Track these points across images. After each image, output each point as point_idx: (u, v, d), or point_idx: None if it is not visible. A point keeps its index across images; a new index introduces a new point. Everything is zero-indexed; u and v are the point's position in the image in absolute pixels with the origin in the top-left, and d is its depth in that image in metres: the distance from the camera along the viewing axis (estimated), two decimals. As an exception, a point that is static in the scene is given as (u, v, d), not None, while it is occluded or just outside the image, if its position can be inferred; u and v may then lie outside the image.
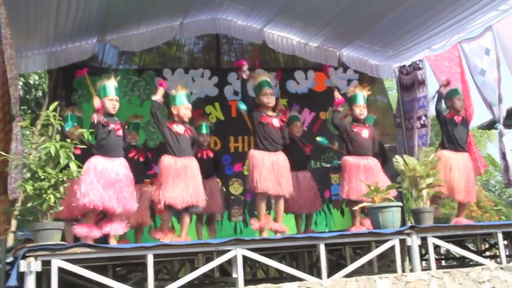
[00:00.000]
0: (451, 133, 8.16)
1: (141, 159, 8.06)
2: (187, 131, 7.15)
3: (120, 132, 6.77)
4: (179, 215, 7.26)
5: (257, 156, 7.28)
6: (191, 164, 7.00)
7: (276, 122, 7.46)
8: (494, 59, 9.13)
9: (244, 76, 7.45)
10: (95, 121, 6.56)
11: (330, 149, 10.33)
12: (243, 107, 7.87)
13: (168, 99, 7.26)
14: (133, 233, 8.00)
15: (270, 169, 7.20)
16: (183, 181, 6.81)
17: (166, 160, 6.90)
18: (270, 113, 7.53)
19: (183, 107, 7.16)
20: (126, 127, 7.12)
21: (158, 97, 7.06)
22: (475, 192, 8.41)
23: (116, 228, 6.53)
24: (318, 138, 8.98)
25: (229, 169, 10.22)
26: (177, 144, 6.98)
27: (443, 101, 8.39)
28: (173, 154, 6.93)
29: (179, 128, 7.08)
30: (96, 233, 6.42)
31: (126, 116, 8.39)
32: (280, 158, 7.37)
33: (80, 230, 6.37)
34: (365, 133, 7.89)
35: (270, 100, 7.48)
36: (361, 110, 7.96)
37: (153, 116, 7.03)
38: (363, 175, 7.60)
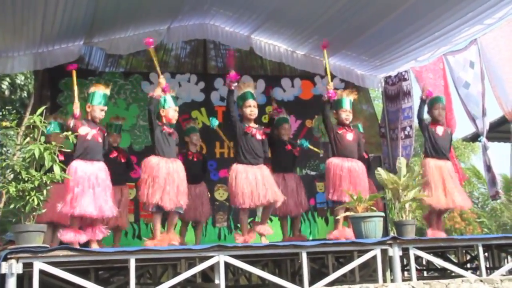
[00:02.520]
0: (433, 141, 8.20)
1: (123, 160, 8.03)
2: (174, 133, 7.18)
3: (100, 139, 6.76)
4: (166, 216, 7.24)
5: (240, 170, 7.26)
6: (180, 166, 7.01)
7: (258, 135, 7.49)
8: (478, 72, 9.24)
9: (233, 87, 7.45)
10: (71, 125, 6.56)
11: (316, 157, 10.37)
12: (215, 123, 7.94)
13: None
14: (112, 235, 7.96)
15: (254, 183, 7.18)
16: (172, 183, 6.79)
17: (155, 160, 6.86)
18: (252, 124, 7.55)
19: (172, 110, 7.18)
20: (106, 134, 7.11)
21: (156, 94, 7.00)
22: (466, 198, 8.38)
23: (96, 233, 6.55)
24: (299, 141, 9.00)
25: (214, 175, 10.22)
26: (167, 145, 6.98)
27: (425, 109, 8.43)
28: (162, 155, 6.91)
29: (169, 130, 7.09)
30: (82, 238, 6.41)
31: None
32: (264, 171, 7.37)
33: (67, 236, 6.34)
34: (349, 136, 7.90)
35: (252, 112, 7.51)
36: (347, 114, 7.97)
37: (150, 113, 7.00)
38: (347, 177, 7.62)
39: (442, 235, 8.05)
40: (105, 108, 6.87)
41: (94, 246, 6.50)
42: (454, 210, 11.07)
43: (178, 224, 8.27)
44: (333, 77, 10.80)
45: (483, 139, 9.23)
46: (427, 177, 7.95)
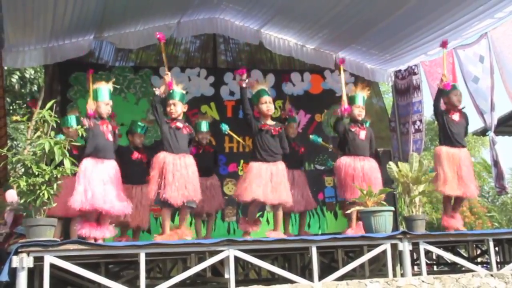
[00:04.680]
0: (448, 128, 8.10)
1: (144, 160, 8.01)
2: (185, 128, 7.12)
3: (110, 136, 6.80)
4: (176, 210, 7.22)
5: (255, 167, 7.20)
6: (189, 161, 6.94)
7: (275, 131, 7.41)
8: (488, 67, 9.18)
9: (244, 84, 7.40)
10: (86, 125, 6.58)
11: (324, 152, 10.35)
12: (225, 128, 7.88)
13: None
14: (131, 233, 8.01)
15: (267, 180, 7.13)
16: (180, 177, 6.73)
17: (162, 156, 6.82)
18: (269, 122, 7.48)
19: (171, 104, 7.08)
20: (117, 131, 7.15)
21: (160, 91, 7.01)
22: (476, 187, 8.30)
23: (103, 232, 6.55)
24: (311, 136, 8.98)
25: (224, 169, 10.21)
26: (175, 140, 6.92)
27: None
28: (170, 150, 6.86)
29: (178, 124, 7.04)
30: (97, 233, 6.41)
31: (121, 113, 8.41)
32: (279, 168, 7.30)
33: (83, 230, 6.38)
34: (362, 134, 7.90)
35: (269, 108, 7.44)
36: (360, 111, 7.97)
37: (154, 109, 6.98)
38: (359, 176, 7.62)
39: (454, 223, 7.98)
40: (110, 102, 6.94)
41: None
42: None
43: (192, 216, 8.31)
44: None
45: (491, 133, 9.19)
46: (439, 166, 7.90)
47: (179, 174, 6.74)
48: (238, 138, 8.47)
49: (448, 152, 8.01)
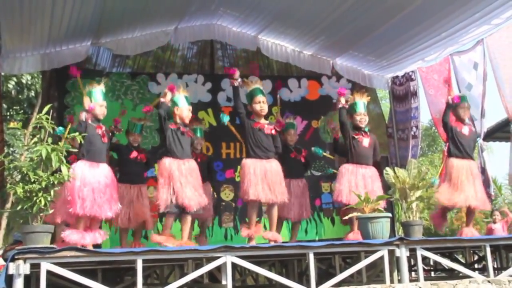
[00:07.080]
0: (458, 141, 8.15)
1: (144, 160, 7.97)
2: (188, 133, 7.17)
3: (106, 139, 6.82)
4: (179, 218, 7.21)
5: (249, 164, 7.23)
6: (194, 166, 7.00)
7: (268, 130, 7.44)
8: (481, 73, 9.23)
9: (236, 84, 7.42)
10: (83, 119, 6.57)
11: (322, 158, 10.35)
12: (226, 119, 7.86)
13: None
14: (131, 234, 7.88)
15: (263, 177, 7.14)
16: (189, 183, 6.78)
17: (169, 162, 6.83)
18: (262, 121, 7.50)
19: (186, 109, 7.16)
20: (111, 134, 7.17)
21: (166, 99, 7.04)
22: (487, 199, 8.35)
23: (95, 238, 6.53)
24: (313, 149, 8.94)
25: (221, 175, 10.21)
26: (180, 146, 6.96)
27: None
28: (175, 156, 6.88)
29: (182, 130, 7.08)
30: (86, 240, 6.38)
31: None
32: (273, 166, 7.31)
33: (72, 237, 6.31)
34: (365, 142, 7.88)
35: (263, 108, 7.46)
36: (361, 117, 7.95)
37: (162, 118, 6.97)
38: (361, 183, 7.61)
39: (467, 231, 8.05)
40: (104, 103, 6.95)
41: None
42: (462, 210, 11.00)
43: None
44: (340, 77, 10.85)
45: (480, 140, 9.22)
46: (447, 175, 7.94)
47: (186, 180, 6.78)
48: (236, 133, 8.42)
49: (459, 164, 8.04)
